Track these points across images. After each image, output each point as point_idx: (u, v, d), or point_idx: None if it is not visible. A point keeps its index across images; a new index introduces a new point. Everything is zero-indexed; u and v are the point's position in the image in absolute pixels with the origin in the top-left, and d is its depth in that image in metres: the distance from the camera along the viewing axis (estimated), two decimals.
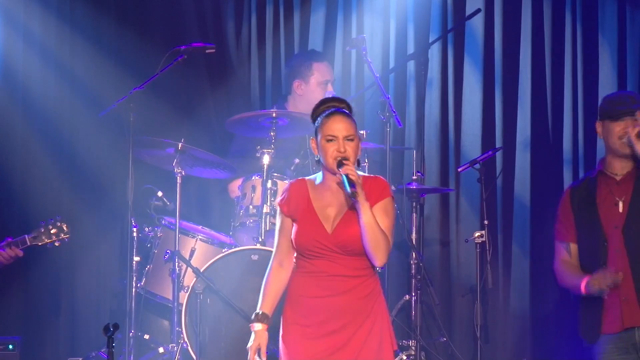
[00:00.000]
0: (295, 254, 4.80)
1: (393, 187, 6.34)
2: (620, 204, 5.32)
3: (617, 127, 5.16)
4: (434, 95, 7.26)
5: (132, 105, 6.25)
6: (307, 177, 4.78)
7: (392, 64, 7.28)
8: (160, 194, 6.49)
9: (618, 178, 5.23)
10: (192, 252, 6.40)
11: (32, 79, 7.28)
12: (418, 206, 6.79)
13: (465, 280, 7.06)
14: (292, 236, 4.75)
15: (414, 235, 6.73)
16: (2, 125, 7.21)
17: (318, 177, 4.70)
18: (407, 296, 6.68)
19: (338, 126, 4.62)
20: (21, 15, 7.25)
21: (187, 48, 6.38)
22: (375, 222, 4.56)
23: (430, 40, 7.14)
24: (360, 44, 6.68)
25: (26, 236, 5.95)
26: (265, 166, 6.19)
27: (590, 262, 5.28)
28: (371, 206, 4.56)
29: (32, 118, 7.24)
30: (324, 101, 4.80)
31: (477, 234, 6.56)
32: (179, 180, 6.30)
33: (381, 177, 4.78)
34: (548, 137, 7.11)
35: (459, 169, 6.89)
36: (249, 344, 4.78)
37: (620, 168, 5.23)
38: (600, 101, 5.49)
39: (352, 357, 4.61)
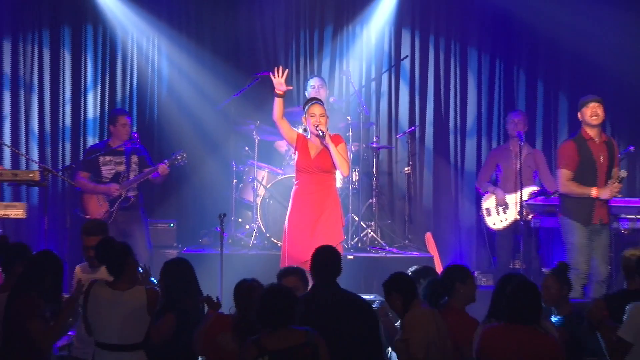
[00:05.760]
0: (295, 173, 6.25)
1: (364, 145, 8.58)
2: (601, 157, 6.76)
3: (588, 110, 6.60)
4: (385, 101, 9.47)
5: (233, 103, 8.63)
6: (306, 135, 6.31)
7: (364, 82, 9.49)
8: (247, 148, 8.75)
9: (597, 141, 6.43)
10: (263, 178, 8.55)
11: (181, 90, 9.27)
12: (377, 154, 8.85)
13: (400, 191, 9.33)
14: (295, 160, 6.25)
15: (374, 169, 8.80)
16: (167, 112, 9.32)
17: (308, 135, 6.30)
18: (371, 199, 8.85)
19: (317, 109, 6.16)
20: (176, 55, 9.33)
21: (261, 75, 8.48)
22: (337, 152, 6.10)
23: (382, 71, 9.40)
24: (347, 73, 9.13)
25: (166, 160, 7.82)
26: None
27: (584, 181, 6.51)
28: (335, 146, 6.16)
29: (181, 111, 9.43)
30: (310, 99, 6.40)
31: (406, 169, 9.00)
32: (256, 141, 8.51)
33: (339, 134, 6.38)
34: (441, 121, 9.47)
35: (397, 136, 9.37)
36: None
37: (594, 135, 6.50)
38: (579, 104, 6.84)
39: (319, 226, 6.14)
